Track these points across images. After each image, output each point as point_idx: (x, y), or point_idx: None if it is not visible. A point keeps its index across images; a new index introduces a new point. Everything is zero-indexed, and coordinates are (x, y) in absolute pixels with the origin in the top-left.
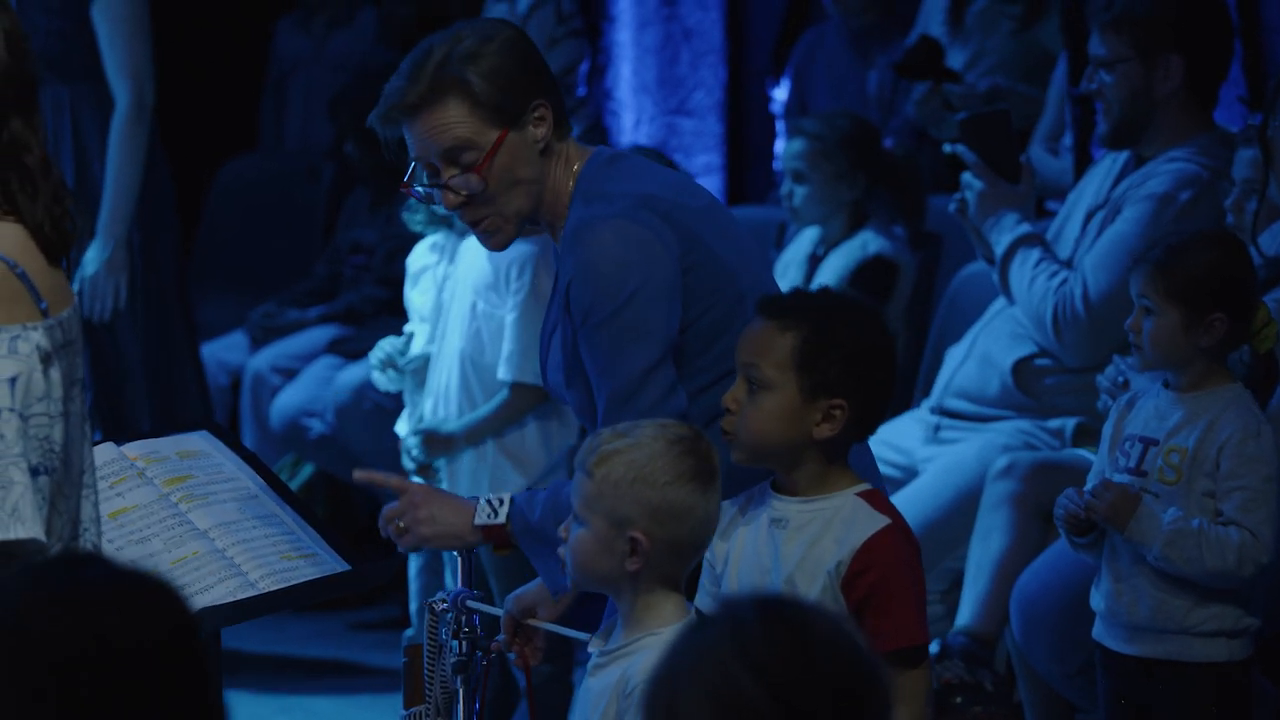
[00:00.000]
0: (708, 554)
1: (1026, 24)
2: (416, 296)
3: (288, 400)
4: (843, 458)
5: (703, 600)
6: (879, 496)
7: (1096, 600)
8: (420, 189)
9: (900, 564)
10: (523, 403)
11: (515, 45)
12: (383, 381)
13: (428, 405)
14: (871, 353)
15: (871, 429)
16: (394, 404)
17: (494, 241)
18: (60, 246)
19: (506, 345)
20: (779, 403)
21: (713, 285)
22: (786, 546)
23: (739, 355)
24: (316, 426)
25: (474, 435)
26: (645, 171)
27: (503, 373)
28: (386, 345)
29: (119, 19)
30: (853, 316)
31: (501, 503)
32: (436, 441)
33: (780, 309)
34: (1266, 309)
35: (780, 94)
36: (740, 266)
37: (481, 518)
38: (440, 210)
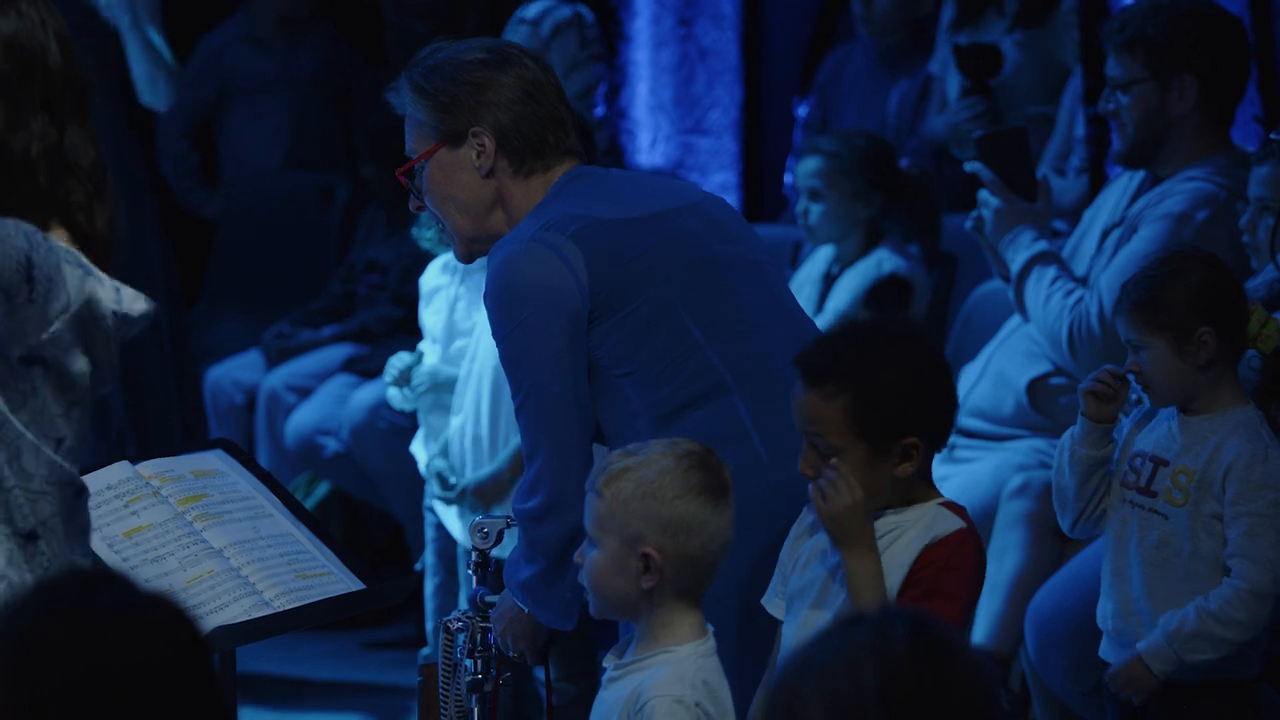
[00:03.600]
0: (782, 555)
1: (1026, 21)
2: (429, 316)
3: (302, 419)
4: (925, 473)
5: (770, 601)
6: (959, 508)
7: (1102, 619)
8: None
9: (964, 563)
10: None
11: (489, 78)
12: (397, 400)
13: (455, 423)
14: (923, 380)
15: (945, 439)
16: (409, 423)
17: (456, 253)
18: (112, 255)
19: None
20: (854, 464)
21: (627, 298)
22: None
23: (796, 422)
24: (331, 445)
25: (518, 465)
26: (594, 189)
27: None
28: (398, 362)
29: (149, 22)
30: (889, 354)
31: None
32: (485, 493)
33: (818, 375)
34: (1261, 310)
35: (804, 112)
36: (680, 271)
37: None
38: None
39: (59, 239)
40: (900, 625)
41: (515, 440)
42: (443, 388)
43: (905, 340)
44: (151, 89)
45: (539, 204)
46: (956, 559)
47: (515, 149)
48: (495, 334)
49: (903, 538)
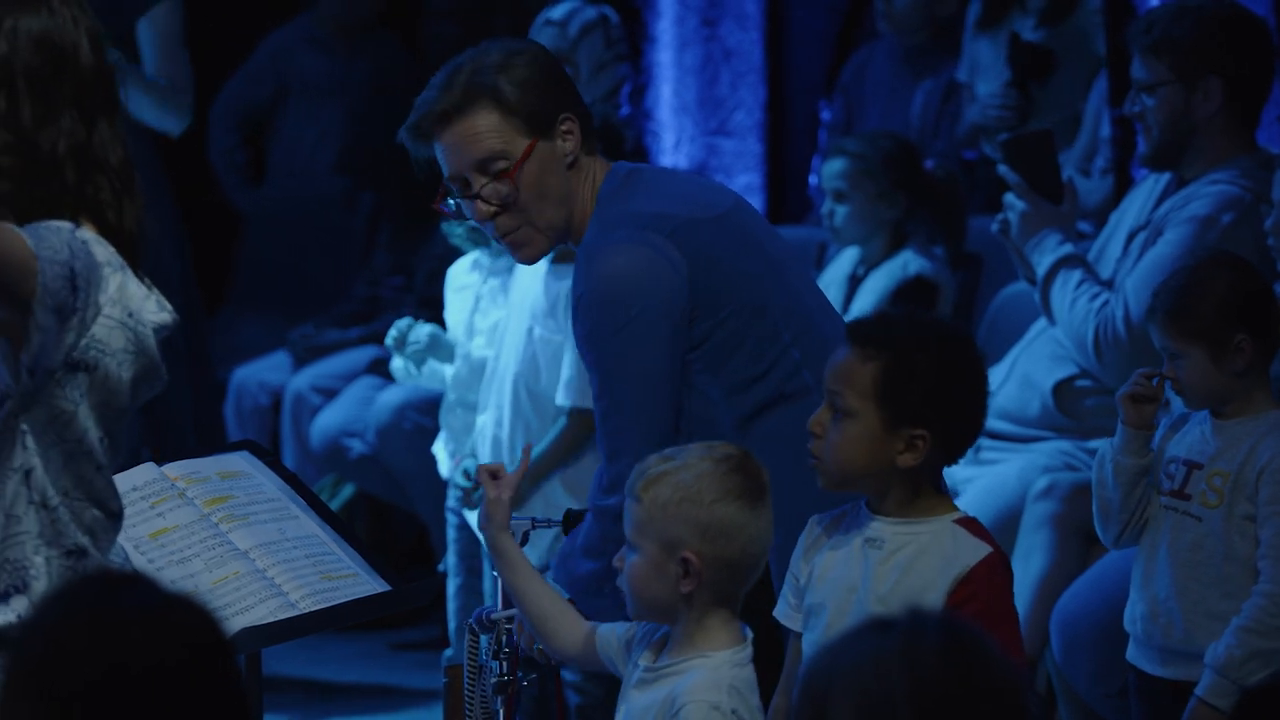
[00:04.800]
0: (792, 566)
1: (1051, 19)
2: (451, 314)
3: (328, 420)
4: (932, 481)
5: (783, 611)
6: (976, 524)
7: (1130, 622)
8: (451, 203)
9: (1001, 595)
10: (583, 429)
11: (542, 59)
12: (400, 370)
13: (479, 421)
14: (955, 382)
15: (960, 454)
16: (434, 424)
17: (524, 254)
18: (141, 252)
19: (565, 371)
20: (861, 431)
21: (728, 296)
22: (880, 568)
23: (825, 380)
24: (357, 447)
25: (536, 473)
26: (659, 186)
27: (561, 398)
28: (399, 325)
29: (169, 33)
30: (937, 345)
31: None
32: None
33: (864, 337)
34: None
35: (828, 114)
36: (761, 270)
37: None
38: (472, 224)
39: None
40: (931, 629)
41: (535, 448)
42: (440, 352)
43: (957, 342)
44: (160, 118)
45: (604, 200)
46: (994, 595)
47: (589, 133)
48: (591, 335)
49: (923, 558)
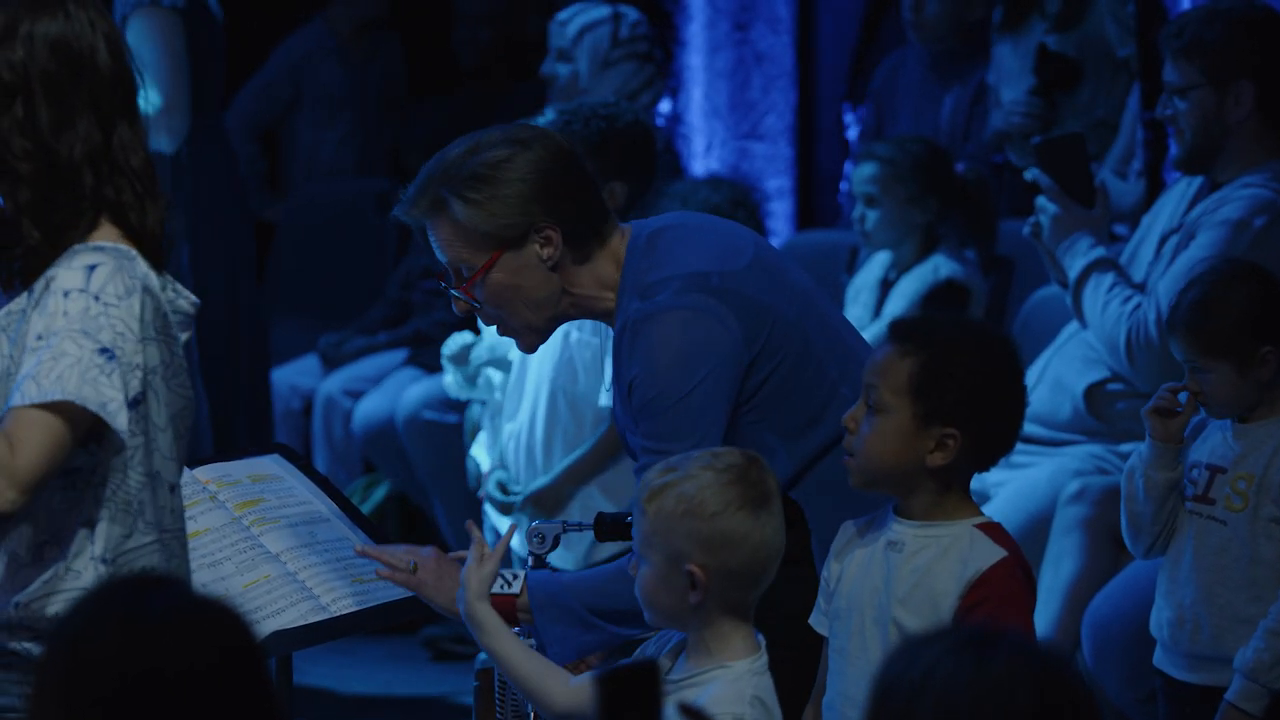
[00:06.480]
0: (824, 571)
1: (1063, 25)
2: None
3: (370, 408)
4: (960, 486)
5: (816, 619)
6: (997, 529)
7: (1157, 628)
8: (444, 287)
9: (1016, 599)
10: None
11: (532, 167)
12: (453, 387)
13: (508, 430)
14: (991, 385)
15: (992, 460)
16: (455, 419)
17: (520, 345)
18: (164, 253)
19: (608, 373)
20: (893, 427)
21: (777, 344)
22: (900, 570)
23: (864, 375)
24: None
25: (576, 477)
26: (685, 244)
27: (605, 399)
28: (458, 339)
29: (166, 47)
30: (977, 346)
31: (516, 577)
32: (543, 502)
33: (905, 333)
34: None
35: (852, 119)
36: (798, 310)
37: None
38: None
39: (109, 237)
40: (1028, 675)
41: (572, 453)
42: (499, 364)
43: (998, 345)
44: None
45: (633, 270)
46: (1007, 599)
47: (579, 234)
48: (658, 401)
49: (941, 561)
